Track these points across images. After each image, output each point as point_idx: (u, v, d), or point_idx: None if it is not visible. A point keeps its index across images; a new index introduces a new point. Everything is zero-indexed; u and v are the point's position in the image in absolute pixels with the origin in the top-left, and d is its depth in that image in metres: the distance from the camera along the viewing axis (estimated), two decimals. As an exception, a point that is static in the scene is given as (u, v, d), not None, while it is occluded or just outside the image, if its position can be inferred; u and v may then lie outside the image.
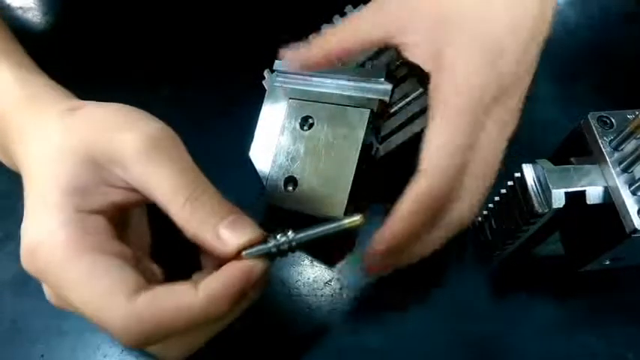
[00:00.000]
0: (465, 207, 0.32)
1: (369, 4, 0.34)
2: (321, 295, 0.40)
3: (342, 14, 0.42)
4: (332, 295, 0.40)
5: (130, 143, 0.28)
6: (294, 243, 0.29)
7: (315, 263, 0.41)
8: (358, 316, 0.39)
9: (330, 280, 0.40)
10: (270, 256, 0.29)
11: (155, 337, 0.27)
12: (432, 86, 0.32)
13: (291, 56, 0.36)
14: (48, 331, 0.38)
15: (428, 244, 0.33)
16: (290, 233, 0.29)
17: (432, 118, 0.31)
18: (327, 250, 0.41)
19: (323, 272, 0.41)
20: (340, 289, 0.40)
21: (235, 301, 0.27)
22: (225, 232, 0.28)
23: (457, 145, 0.30)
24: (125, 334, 0.27)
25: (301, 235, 0.29)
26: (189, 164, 0.29)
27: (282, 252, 0.29)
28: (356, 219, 0.28)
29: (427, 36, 0.32)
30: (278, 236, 0.29)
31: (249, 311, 0.38)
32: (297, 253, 0.41)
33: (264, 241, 0.29)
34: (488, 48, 0.31)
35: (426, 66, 0.32)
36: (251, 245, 0.28)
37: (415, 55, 0.33)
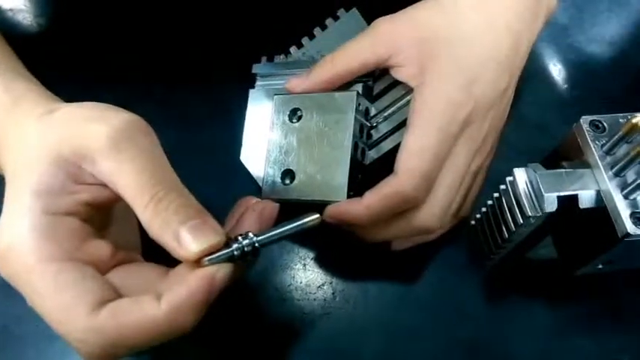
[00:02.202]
0: (427, 212, 0.35)
1: (364, 32, 0.37)
2: (314, 299, 0.40)
3: (335, 18, 0.42)
4: (325, 299, 0.40)
5: (97, 135, 0.28)
6: (256, 245, 0.28)
7: (307, 267, 0.41)
8: (351, 319, 0.39)
9: (323, 284, 0.40)
10: (233, 260, 0.28)
11: (118, 350, 0.27)
12: (413, 99, 0.35)
13: (295, 83, 0.38)
14: (38, 335, 0.37)
15: (384, 233, 0.36)
16: (251, 235, 0.28)
17: (408, 125, 0.35)
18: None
19: (316, 276, 0.40)
20: (333, 292, 0.40)
21: (200, 310, 0.27)
22: (187, 237, 0.27)
23: (427, 152, 0.33)
24: (83, 347, 0.26)
25: (263, 236, 0.29)
26: (158, 159, 0.29)
27: (245, 255, 0.28)
28: (314, 218, 0.30)
29: (412, 57, 0.35)
30: (240, 239, 0.28)
31: (241, 315, 0.38)
32: (290, 257, 0.41)
33: (227, 245, 0.28)
34: (464, 73, 0.34)
35: (411, 83, 0.36)
36: (215, 250, 0.28)
37: (402, 74, 0.36)
